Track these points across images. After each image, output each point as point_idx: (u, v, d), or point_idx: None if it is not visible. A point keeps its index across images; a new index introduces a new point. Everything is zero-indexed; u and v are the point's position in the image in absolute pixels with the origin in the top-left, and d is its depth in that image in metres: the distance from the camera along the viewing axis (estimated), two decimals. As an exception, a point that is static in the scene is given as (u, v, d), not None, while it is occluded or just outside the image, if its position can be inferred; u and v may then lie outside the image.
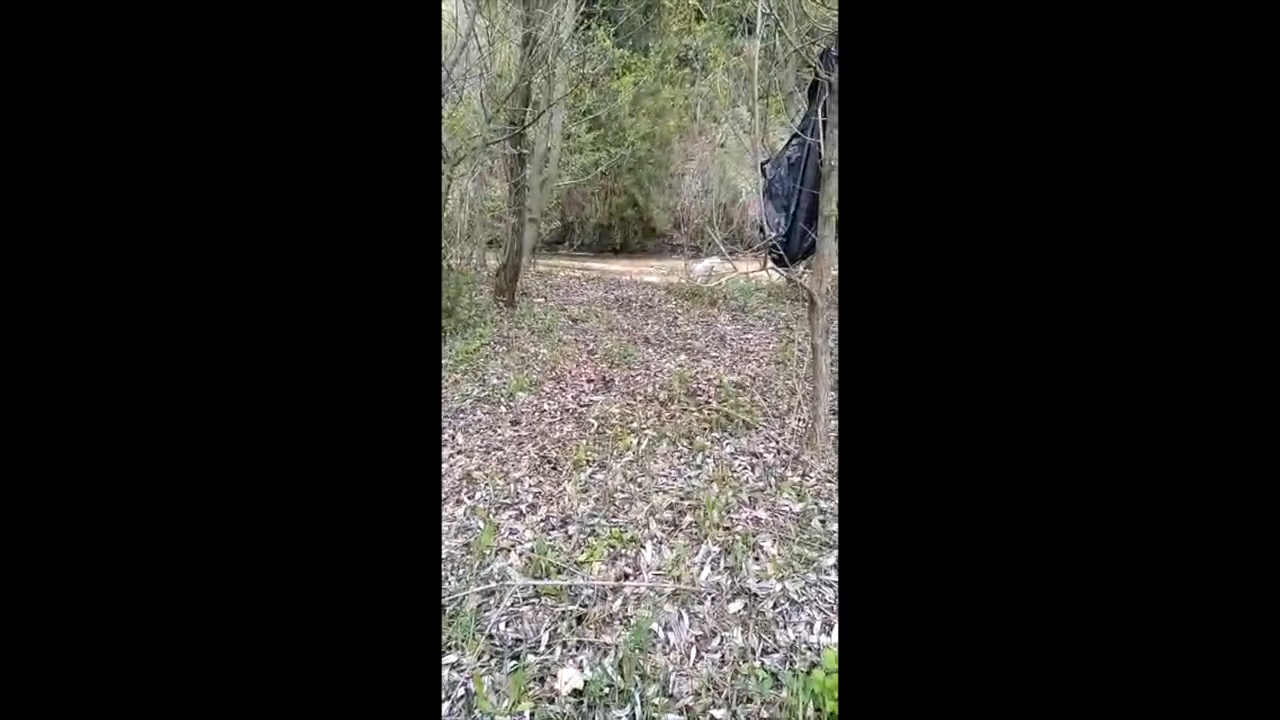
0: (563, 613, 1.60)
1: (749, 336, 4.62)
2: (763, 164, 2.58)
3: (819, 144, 2.23)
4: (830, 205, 2.23)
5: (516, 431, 2.86)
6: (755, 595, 1.66)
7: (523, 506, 2.19)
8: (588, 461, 2.51)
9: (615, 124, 7.99)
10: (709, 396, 3.23)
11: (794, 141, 2.46)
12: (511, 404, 3.20)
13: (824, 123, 2.20)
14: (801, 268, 2.72)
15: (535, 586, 1.71)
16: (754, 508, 2.12)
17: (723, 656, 1.45)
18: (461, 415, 3.06)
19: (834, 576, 1.73)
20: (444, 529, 2.03)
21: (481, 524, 2.03)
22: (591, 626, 1.55)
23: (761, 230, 2.47)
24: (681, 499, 2.20)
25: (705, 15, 6.12)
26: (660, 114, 8.18)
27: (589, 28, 5.63)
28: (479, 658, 1.45)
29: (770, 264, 2.57)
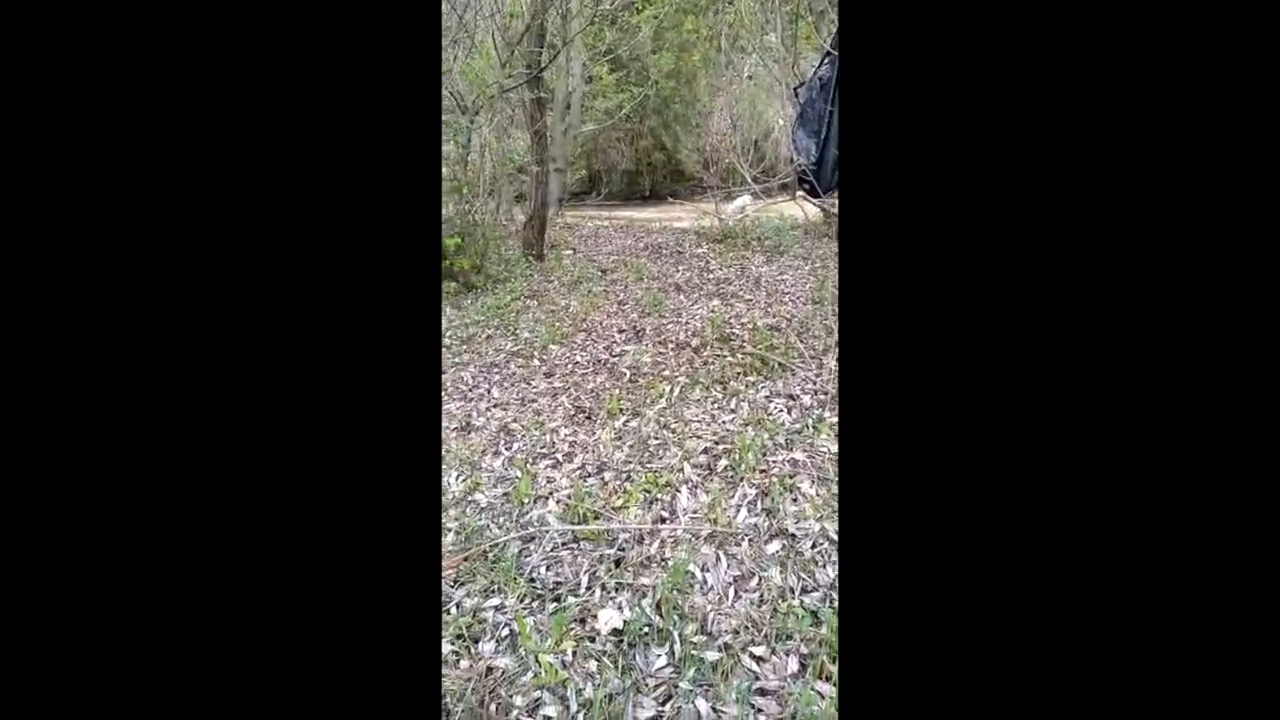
0: (601, 556, 1.62)
1: (784, 277, 4.48)
2: (795, 88, 2.41)
3: (853, 60, 2.06)
4: (866, 128, 2.07)
5: (550, 383, 2.87)
6: (794, 536, 1.64)
7: (559, 455, 2.21)
8: (621, 410, 2.50)
9: (637, 63, 7.63)
10: (743, 341, 3.16)
11: (826, 60, 2.28)
12: (544, 357, 3.20)
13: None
14: (836, 198, 2.58)
15: (574, 531, 1.73)
16: (791, 450, 2.09)
17: (761, 596, 1.45)
18: (496, 369, 3.09)
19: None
20: (483, 480, 2.07)
21: (519, 474, 2.06)
22: (629, 569, 1.57)
23: (792, 160, 2.33)
24: (716, 443, 2.17)
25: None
26: (684, 48, 7.75)
27: (604, -43, 5.31)
28: (520, 600, 1.48)
29: (802, 194, 2.44)
